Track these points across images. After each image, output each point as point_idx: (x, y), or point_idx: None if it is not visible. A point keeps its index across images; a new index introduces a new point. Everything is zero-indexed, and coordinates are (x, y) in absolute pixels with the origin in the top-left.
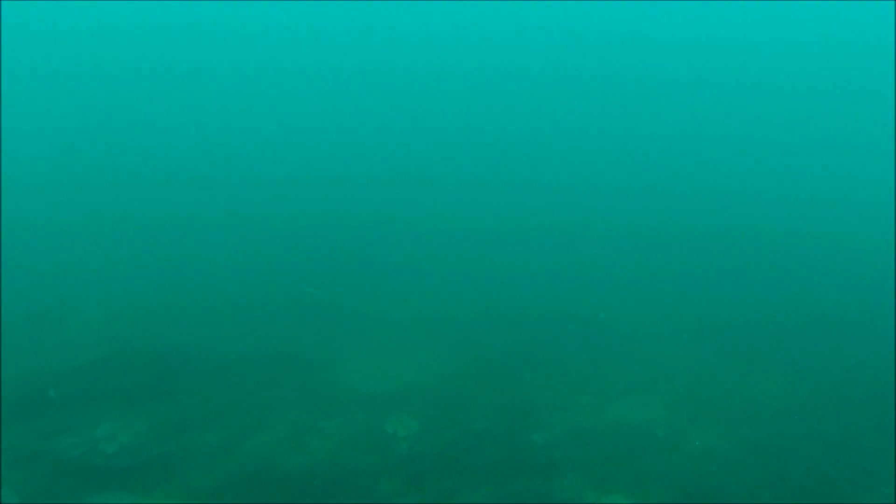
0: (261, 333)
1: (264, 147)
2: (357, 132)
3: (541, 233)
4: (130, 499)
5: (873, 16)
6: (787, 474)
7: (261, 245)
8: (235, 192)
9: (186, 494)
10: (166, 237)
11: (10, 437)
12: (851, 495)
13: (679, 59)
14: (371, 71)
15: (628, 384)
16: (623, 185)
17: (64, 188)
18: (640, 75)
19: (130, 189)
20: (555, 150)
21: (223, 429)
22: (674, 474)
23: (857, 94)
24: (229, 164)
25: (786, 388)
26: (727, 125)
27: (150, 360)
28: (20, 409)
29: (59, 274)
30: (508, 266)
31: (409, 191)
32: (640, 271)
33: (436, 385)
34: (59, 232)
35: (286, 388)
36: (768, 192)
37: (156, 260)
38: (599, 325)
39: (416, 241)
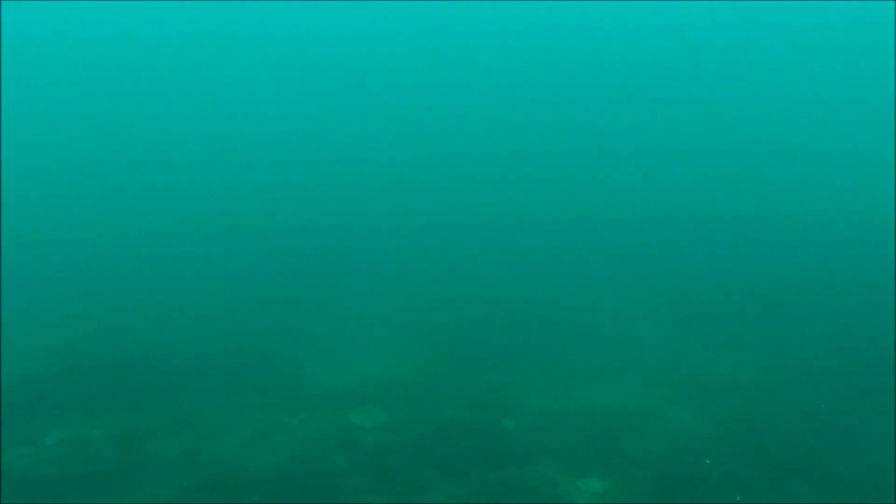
0: (222, 334)
1: (228, 149)
2: (322, 133)
3: (505, 221)
4: None
5: (871, 12)
6: (767, 450)
7: (221, 245)
8: (196, 193)
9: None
10: (122, 240)
11: None
12: (835, 466)
13: (663, 48)
14: (338, 73)
15: (599, 366)
16: (589, 169)
17: (17, 193)
18: (620, 64)
19: (87, 193)
20: (520, 139)
21: (184, 433)
22: (650, 456)
23: (834, 77)
24: (191, 166)
25: (759, 362)
26: (696, 108)
27: (106, 367)
28: None
29: (11, 279)
30: (473, 255)
31: (371, 187)
32: (607, 253)
33: (403, 376)
34: (11, 237)
35: (249, 387)
36: (735, 170)
37: (111, 263)
38: (568, 308)
39: (379, 235)
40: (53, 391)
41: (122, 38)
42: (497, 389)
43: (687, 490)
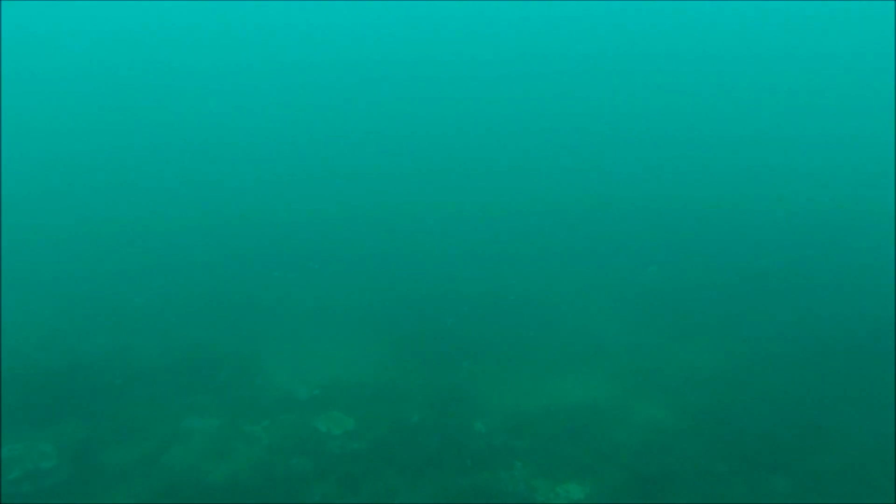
0: (175, 336)
1: (184, 147)
2: (282, 131)
3: (464, 214)
4: None
5: (869, 10)
6: (737, 442)
7: (171, 243)
8: (143, 192)
9: None
10: (64, 240)
11: None
12: (804, 457)
13: (652, 43)
14: (313, 70)
15: (564, 360)
16: (549, 163)
17: None
18: (599, 58)
19: (26, 194)
20: (481, 136)
21: (138, 443)
22: (623, 453)
23: (830, 71)
24: (140, 165)
25: (724, 353)
26: (666, 102)
27: (53, 374)
28: None
29: None
30: (433, 250)
31: (329, 184)
32: (567, 245)
33: (367, 377)
34: None
35: (206, 392)
36: (698, 161)
37: (55, 264)
38: (530, 302)
39: (336, 232)
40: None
41: (103, 35)
42: (463, 388)
43: (665, 489)
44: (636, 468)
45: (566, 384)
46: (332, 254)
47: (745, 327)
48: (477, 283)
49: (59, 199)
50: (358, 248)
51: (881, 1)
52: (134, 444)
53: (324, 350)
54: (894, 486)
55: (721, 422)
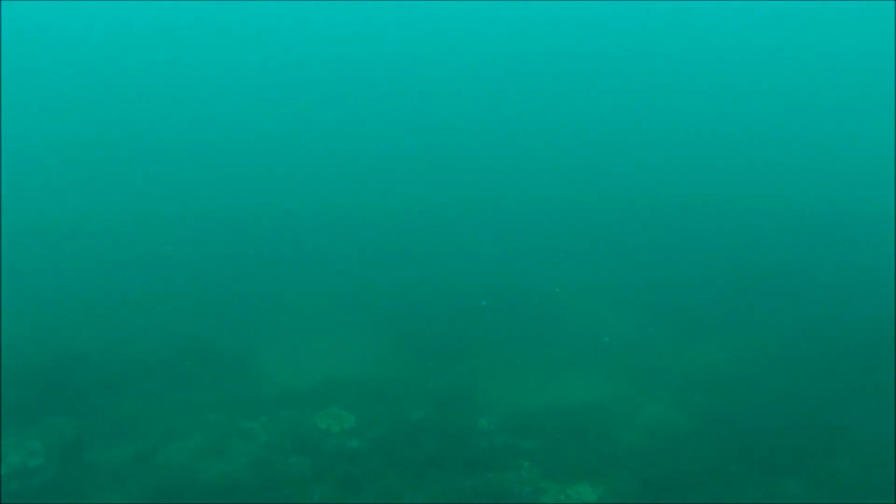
0: (170, 329)
1: (177, 141)
2: (277, 125)
3: (467, 210)
4: None
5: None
6: (749, 443)
7: (166, 235)
8: (137, 184)
9: None
10: (57, 233)
11: None
12: (819, 460)
13: (649, 42)
14: (305, 67)
15: (569, 358)
16: (553, 157)
17: None
18: (592, 55)
19: (16, 185)
20: (481, 129)
21: (132, 440)
22: (633, 454)
23: (829, 70)
24: (133, 158)
25: (732, 352)
26: (667, 98)
27: (43, 369)
28: None
29: None
30: (434, 245)
31: (327, 177)
32: (572, 241)
33: (367, 373)
34: None
35: (202, 388)
36: (703, 158)
37: (46, 257)
38: (533, 297)
39: (335, 225)
40: None
41: (103, 31)
42: (465, 385)
43: (677, 492)
44: (647, 470)
45: (571, 382)
46: (331, 248)
47: (752, 325)
48: (480, 278)
49: (53, 193)
50: (358, 243)
51: (883, 1)
52: (127, 442)
53: (323, 345)
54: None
55: (731, 422)
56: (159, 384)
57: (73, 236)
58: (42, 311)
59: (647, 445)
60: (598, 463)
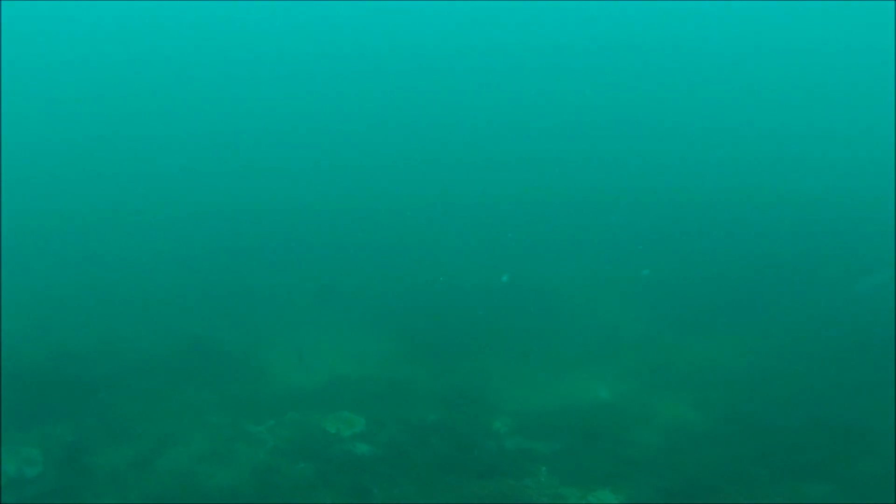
0: (169, 330)
1: (178, 134)
2: (281, 119)
3: (474, 206)
4: None
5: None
6: (771, 445)
7: (165, 231)
8: (136, 178)
9: None
10: (52, 229)
11: None
12: (845, 461)
13: (652, 36)
14: (309, 58)
15: (581, 357)
16: (559, 152)
17: None
18: (599, 48)
19: (10, 180)
20: (488, 125)
21: (132, 445)
22: (654, 457)
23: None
24: (130, 151)
25: (745, 348)
26: (675, 92)
27: (39, 371)
28: None
29: None
30: (441, 241)
31: (332, 171)
32: (578, 235)
33: (374, 373)
34: None
35: (204, 389)
36: (712, 151)
37: (41, 255)
38: (540, 294)
39: (340, 220)
40: None
41: (103, 29)
42: (477, 385)
43: (702, 496)
44: (668, 474)
45: (584, 381)
46: (334, 245)
47: (766, 320)
48: (487, 275)
49: (50, 190)
50: (362, 239)
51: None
52: (126, 447)
53: (330, 345)
54: None
55: (749, 422)
56: (160, 385)
57: (69, 234)
58: (38, 310)
59: (665, 447)
60: (618, 467)
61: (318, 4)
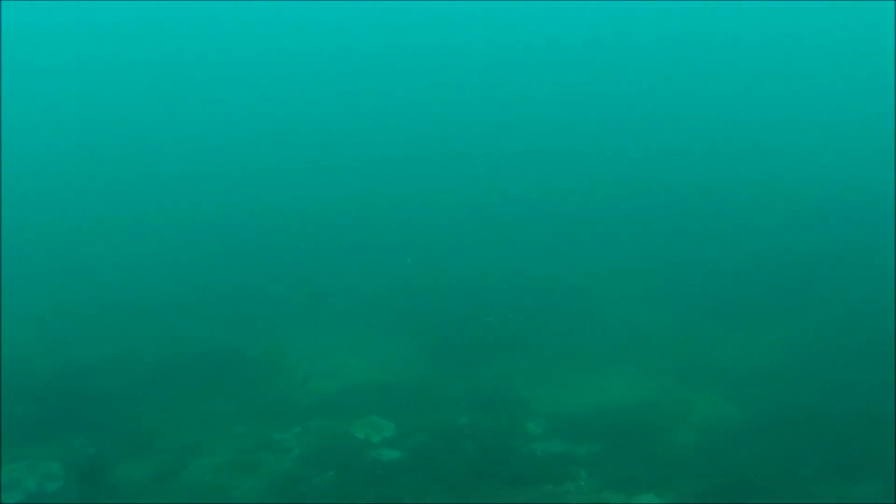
0: (189, 335)
1: (178, 142)
2: (295, 118)
3: (494, 202)
4: None
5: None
6: (815, 442)
7: (180, 235)
8: (147, 182)
9: None
10: (62, 238)
11: None
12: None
13: (662, 28)
14: (313, 57)
15: (611, 355)
16: (579, 145)
17: None
18: (612, 40)
19: (16, 189)
20: (504, 118)
21: (154, 457)
22: (696, 458)
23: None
24: (139, 155)
25: (779, 341)
26: (691, 82)
27: (55, 385)
28: None
29: None
30: (462, 239)
31: (349, 170)
32: (605, 229)
33: (401, 377)
34: None
35: (227, 397)
36: (736, 140)
37: (52, 265)
38: (565, 290)
39: (359, 220)
40: None
41: (104, 30)
42: (505, 387)
43: (749, 498)
44: (712, 476)
45: (616, 380)
46: (354, 246)
47: (802, 313)
48: (510, 272)
49: (57, 199)
50: (382, 240)
51: None
52: (148, 459)
53: (353, 347)
54: None
55: (790, 419)
56: (179, 395)
57: (79, 242)
58: (50, 323)
59: (706, 447)
60: (659, 468)
61: (317, 5)
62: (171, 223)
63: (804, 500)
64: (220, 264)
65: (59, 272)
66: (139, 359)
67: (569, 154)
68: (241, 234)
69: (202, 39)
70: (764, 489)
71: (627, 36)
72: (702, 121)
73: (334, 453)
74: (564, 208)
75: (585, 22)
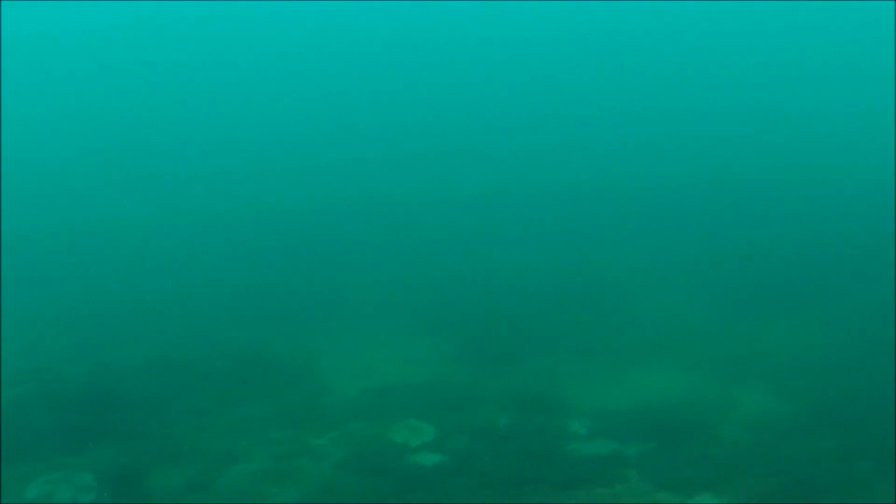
0: (220, 339)
1: (212, 137)
2: (315, 117)
3: (522, 196)
4: None
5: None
6: (868, 437)
7: (209, 237)
8: (177, 183)
9: None
10: (92, 241)
11: None
12: None
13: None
14: (330, 54)
15: (648, 349)
16: (605, 136)
17: None
18: (631, 34)
19: (47, 191)
20: (528, 110)
21: (188, 465)
22: (746, 455)
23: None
24: (166, 155)
25: (825, 331)
26: (712, 71)
27: (87, 391)
28: None
29: None
30: (491, 234)
31: (376, 166)
32: (635, 221)
33: (437, 377)
34: None
35: (259, 402)
36: (764, 130)
37: (82, 268)
38: (596, 284)
39: (387, 217)
40: (27, 428)
41: (104, 31)
42: (545, 385)
43: (808, 496)
44: (768, 472)
45: (656, 375)
46: (384, 244)
47: (846, 302)
48: (540, 267)
49: (83, 203)
50: (413, 237)
51: None
52: (184, 467)
53: (387, 349)
54: None
55: (841, 411)
56: (212, 400)
57: (106, 247)
58: (77, 330)
59: (759, 444)
60: (711, 467)
61: (317, 5)
62: (196, 226)
63: (868, 499)
64: (251, 265)
65: (86, 277)
66: (168, 365)
67: (595, 147)
68: (269, 236)
69: (203, 40)
70: (824, 488)
71: (650, 28)
72: (730, 111)
73: (373, 458)
74: (593, 202)
75: (600, 17)
